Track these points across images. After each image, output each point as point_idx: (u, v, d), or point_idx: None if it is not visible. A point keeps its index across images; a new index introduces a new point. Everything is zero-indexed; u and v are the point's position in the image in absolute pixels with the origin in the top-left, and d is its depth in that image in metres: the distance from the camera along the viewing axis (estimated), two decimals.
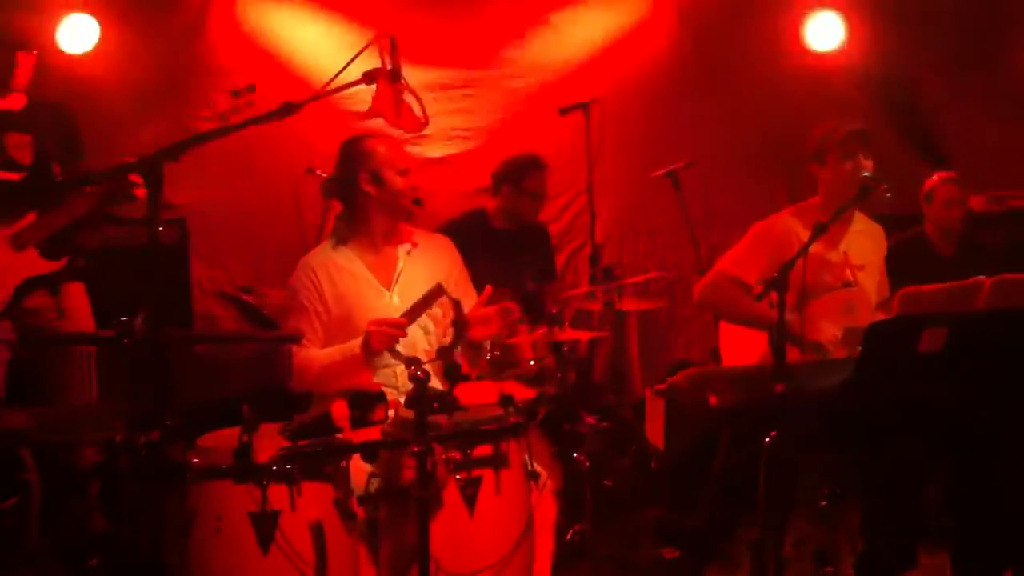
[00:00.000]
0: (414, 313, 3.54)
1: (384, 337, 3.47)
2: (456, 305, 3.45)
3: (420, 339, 3.66)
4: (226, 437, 2.97)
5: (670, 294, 5.99)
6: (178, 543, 2.90)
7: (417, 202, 3.66)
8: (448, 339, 3.59)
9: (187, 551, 2.88)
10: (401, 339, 3.54)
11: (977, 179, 5.51)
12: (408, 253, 3.72)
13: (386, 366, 3.59)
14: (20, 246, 3.87)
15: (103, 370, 4.08)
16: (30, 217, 3.89)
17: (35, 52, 4.03)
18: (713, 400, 3.72)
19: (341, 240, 3.71)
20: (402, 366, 3.53)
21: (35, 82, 4.07)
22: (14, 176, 3.93)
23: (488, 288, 3.65)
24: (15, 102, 4.00)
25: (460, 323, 3.49)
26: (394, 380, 3.57)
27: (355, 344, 3.50)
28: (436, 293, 3.50)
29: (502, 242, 5.15)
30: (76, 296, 4.11)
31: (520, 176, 5.22)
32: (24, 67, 3.97)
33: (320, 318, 3.62)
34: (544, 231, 5.57)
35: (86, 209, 3.89)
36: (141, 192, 3.81)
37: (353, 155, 3.69)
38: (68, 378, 4.02)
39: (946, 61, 6.12)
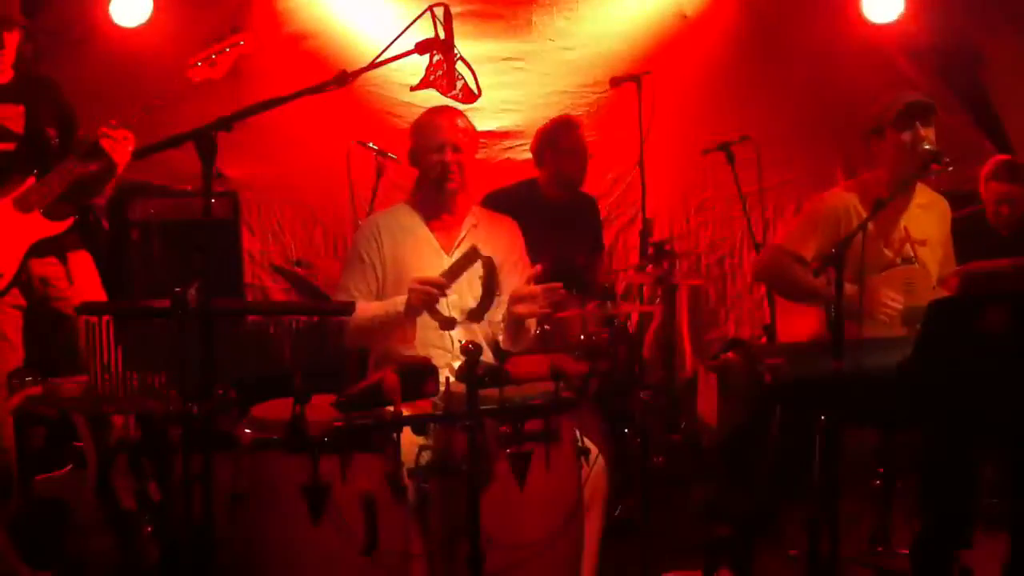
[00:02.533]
0: (452, 274, 3.57)
1: (423, 295, 3.50)
2: (488, 264, 3.46)
3: (468, 301, 3.67)
4: (278, 408, 2.99)
5: (721, 270, 5.94)
6: (229, 513, 2.92)
7: (439, 181, 3.65)
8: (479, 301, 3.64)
9: (239, 522, 2.91)
10: (445, 300, 3.57)
11: None
12: (475, 226, 3.77)
13: (435, 329, 3.61)
14: (26, 209, 3.97)
15: (124, 342, 4.13)
16: (30, 181, 3.99)
17: (18, 29, 4.10)
18: (768, 377, 3.67)
19: (412, 203, 3.79)
20: (443, 327, 3.55)
21: (23, 56, 4.16)
22: (9, 146, 4.04)
23: (537, 266, 3.65)
24: (2, 76, 4.09)
25: (491, 283, 3.52)
26: (445, 342, 3.59)
27: (400, 301, 3.54)
28: (473, 255, 3.56)
29: (552, 213, 5.12)
30: (83, 264, 4.19)
31: (555, 138, 5.22)
32: (9, 45, 4.07)
33: (375, 272, 3.68)
34: (593, 203, 5.53)
35: (83, 171, 3.97)
36: (120, 159, 3.94)
37: (411, 129, 3.77)
38: (89, 350, 4.07)
39: (1006, 31, 5.97)
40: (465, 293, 3.66)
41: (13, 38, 4.08)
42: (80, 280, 4.16)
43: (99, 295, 4.20)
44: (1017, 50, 5.99)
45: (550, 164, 5.24)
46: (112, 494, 3.99)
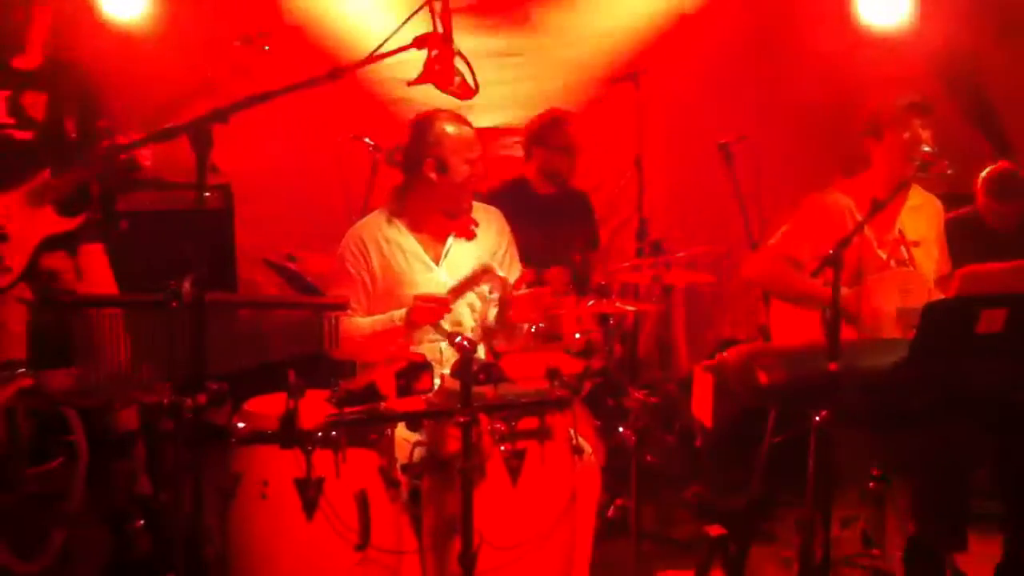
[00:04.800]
0: (460, 291, 3.57)
1: (428, 313, 3.47)
2: (504, 284, 3.45)
3: (466, 316, 3.66)
4: (272, 403, 2.97)
5: (718, 270, 5.92)
6: (221, 507, 2.91)
7: (470, 194, 3.65)
8: (492, 317, 3.63)
9: (231, 516, 2.89)
10: (446, 315, 3.54)
11: None
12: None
13: (431, 341, 3.58)
14: (37, 203, 3.87)
15: (134, 334, 4.09)
16: (44, 175, 3.89)
17: (50, 6, 4.00)
18: (763, 378, 3.66)
19: (395, 212, 3.69)
20: (447, 341, 3.53)
21: (52, 39, 4.05)
22: (28, 135, 3.94)
23: (525, 273, 3.66)
24: (31, 60, 3.99)
25: (506, 301, 3.50)
26: (438, 355, 3.55)
27: (399, 315, 3.50)
28: (484, 272, 3.56)
29: (545, 209, 5.11)
30: (95, 257, 4.11)
31: (545, 133, 5.17)
32: (40, 23, 3.95)
33: (365, 288, 3.62)
34: (585, 199, 5.50)
35: (99, 168, 3.88)
36: (145, 162, 3.85)
37: (423, 135, 3.62)
38: (97, 342, 4.03)
39: (1007, 31, 5.96)
40: (460, 303, 3.63)
41: (45, 16, 3.95)
42: (90, 273, 4.07)
43: (110, 288, 4.12)
44: (1016, 51, 5.98)
45: (539, 159, 5.21)
46: (104, 488, 3.97)
